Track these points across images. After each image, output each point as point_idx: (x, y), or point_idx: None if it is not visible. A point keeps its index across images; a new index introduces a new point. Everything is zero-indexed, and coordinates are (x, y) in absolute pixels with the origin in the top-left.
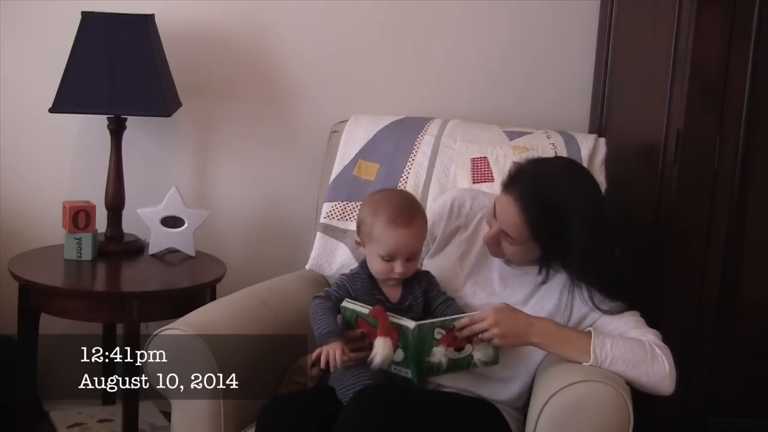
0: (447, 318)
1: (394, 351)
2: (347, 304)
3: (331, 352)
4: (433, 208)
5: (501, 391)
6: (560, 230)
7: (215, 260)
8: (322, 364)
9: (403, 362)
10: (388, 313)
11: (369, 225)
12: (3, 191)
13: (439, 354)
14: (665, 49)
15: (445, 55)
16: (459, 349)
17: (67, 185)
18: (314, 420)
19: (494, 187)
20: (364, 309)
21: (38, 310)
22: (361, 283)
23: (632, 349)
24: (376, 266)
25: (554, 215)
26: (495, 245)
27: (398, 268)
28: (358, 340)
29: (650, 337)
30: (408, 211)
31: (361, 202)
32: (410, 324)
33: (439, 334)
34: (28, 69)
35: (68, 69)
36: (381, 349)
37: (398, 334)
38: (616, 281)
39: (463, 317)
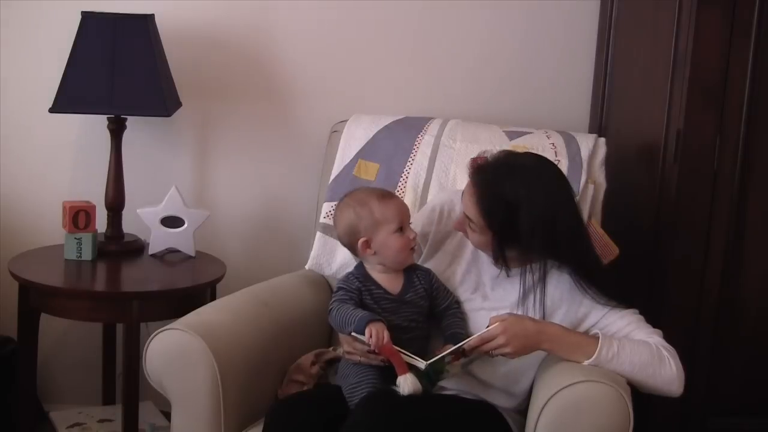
0: (457, 346)
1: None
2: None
3: (379, 331)
4: (422, 211)
5: (504, 400)
6: (512, 226)
7: (215, 260)
8: (373, 345)
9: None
10: (397, 349)
11: (367, 217)
12: (3, 191)
13: (453, 371)
14: (665, 49)
15: (445, 55)
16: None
17: (67, 185)
18: (322, 420)
19: None
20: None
21: (38, 310)
22: (358, 281)
23: (639, 351)
24: (396, 245)
25: (507, 211)
26: (464, 230)
27: (410, 233)
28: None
29: (657, 338)
30: (383, 188)
31: None
32: (421, 364)
33: (449, 357)
34: (28, 69)
35: (68, 69)
36: (405, 386)
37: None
38: (596, 278)
39: (472, 339)
